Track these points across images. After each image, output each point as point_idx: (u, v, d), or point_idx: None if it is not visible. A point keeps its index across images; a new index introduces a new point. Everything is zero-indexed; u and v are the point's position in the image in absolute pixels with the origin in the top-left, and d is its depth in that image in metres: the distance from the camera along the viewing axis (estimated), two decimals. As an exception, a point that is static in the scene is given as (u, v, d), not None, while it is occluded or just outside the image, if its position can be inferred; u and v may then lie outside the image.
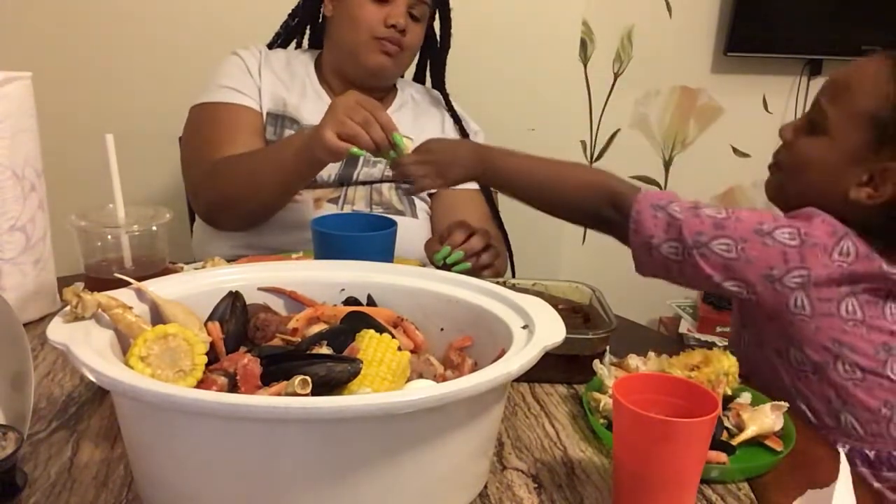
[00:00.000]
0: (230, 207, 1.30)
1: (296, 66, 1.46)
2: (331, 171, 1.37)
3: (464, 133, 1.50)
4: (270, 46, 1.52)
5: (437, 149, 1.10)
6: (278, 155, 1.23)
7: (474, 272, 1.07)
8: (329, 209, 1.35)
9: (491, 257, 1.11)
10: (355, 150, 1.05)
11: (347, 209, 1.37)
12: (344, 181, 1.39)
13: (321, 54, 1.49)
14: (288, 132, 1.38)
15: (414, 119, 1.48)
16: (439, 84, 1.55)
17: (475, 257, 1.09)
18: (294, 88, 1.42)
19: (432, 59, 1.56)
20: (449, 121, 1.51)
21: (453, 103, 1.53)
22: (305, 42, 1.58)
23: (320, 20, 1.51)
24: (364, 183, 1.40)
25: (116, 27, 1.82)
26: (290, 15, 1.53)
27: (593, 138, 2.25)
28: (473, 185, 1.46)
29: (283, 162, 1.20)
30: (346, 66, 1.42)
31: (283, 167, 1.21)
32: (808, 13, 2.15)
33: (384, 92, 1.49)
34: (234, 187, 1.27)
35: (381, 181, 1.41)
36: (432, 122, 1.49)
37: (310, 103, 1.41)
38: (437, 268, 1.07)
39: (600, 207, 1.00)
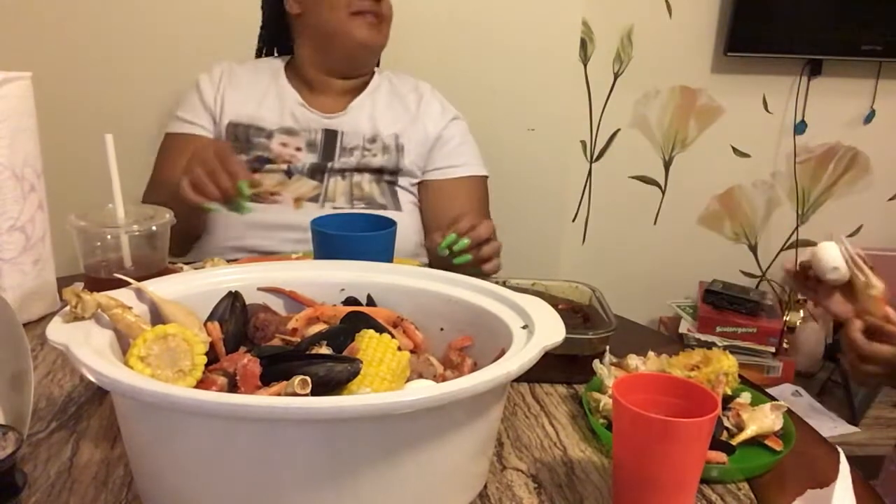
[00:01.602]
0: None
1: (262, 72, 1.49)
2: (304, 160, 1.40)
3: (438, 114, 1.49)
4: (257, 56, 1.58)
5: None
6: (170, 188, 1.26)
7: (475, 264, 1.06)
8: (309, 207, 1.35)
9: (492, 250, 1.09)
10: (207, 205, 1.09)
11: (328, 206, 1.38)
12: (321, 169, 1.40)
13: (292, 57, 1.51)
14: (256, 140, 1.41)
15: (388, 102, 1.48)
16: None
17: (477, 248, 1.06)
18: (254, 97, 1.45)
19: None
20: (426, 106, 1.49)
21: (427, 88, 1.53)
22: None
23: (286, 24, 1.52)
24: (342, 172, 1.41)
25: (116, 27, 1.81)
26: (261, 27, 1.58)
27: (593, 138, 2.25)
28: (466, 172, 1.46)
29: (172, 196, 1.21)
30: (329, 51, 1.43)
31: (172, 200, 1.22)
32: (808, 13, 2.15)
33: (364, 76, 1.50)
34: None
35: (357, 169, 1.41)
36: (407, 106, 1.49)
37: (273, 106, 1.43)
38: (438, 260, 1.06)
39: None
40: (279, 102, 1.45)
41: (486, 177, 1.50)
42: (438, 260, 1.08)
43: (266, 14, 1.56)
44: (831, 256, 0.97)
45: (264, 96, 1.45)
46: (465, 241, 1.04)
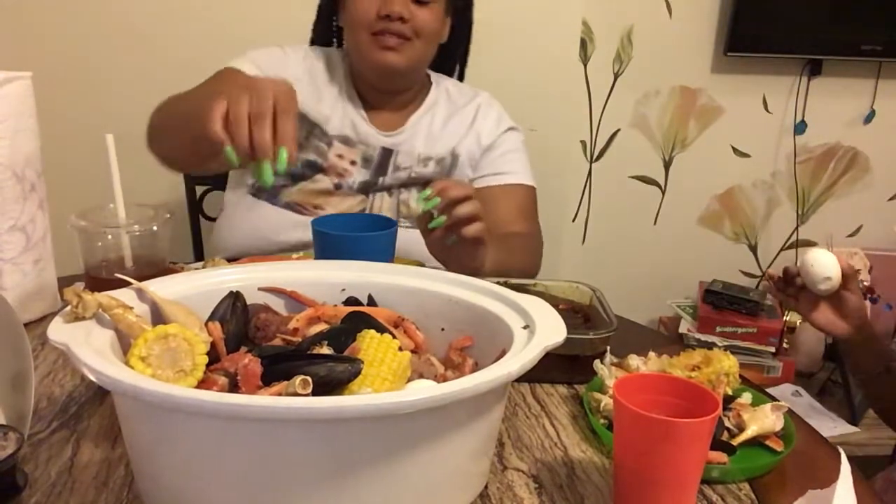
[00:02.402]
0: (150, 144, 1.21)
1: (334, 66, 1.40)
2: (355, 177, 1.34)
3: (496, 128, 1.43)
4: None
5: None
6: (188, 104, 1.07)
7: (453, 227, 0.98)
8: None
9: (471, 209, 0.98)
10: (229, 151, 0.85)
11: None
12: (368, 188, 1.35)
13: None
14: (315, 143, 1.33)
15: (447, 118, 1.41)
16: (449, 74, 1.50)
17: (450, 209, 0.97)
18: (320, 91, 1.36)
19: (449, 51, 1.46)
20: (482, 118, 1.42)
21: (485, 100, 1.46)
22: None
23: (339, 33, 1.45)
24: (389, 189, 1.36)
25: (117, 27, 1.82)
26: (312, 31, 1.48)
27: (593, 138, 2.25)
28: (511, 180, 1.39)
29: (189, 114, 1.01)
30: (361, 71, 1.36)
31: (187, 120, 1.01)
32: (808, 13, 2.15)
33: (416, 90, 1.42)
34: (155, 121, 1.19)
35: (405, 185, 1.36)
36: (464, 118, 1.42)
37: (336, 108, 1.36)
38: (419, 220, 1.00)
39: None
40: (342, 106, 1.37)
41: (534, 187, 1.42)
42: (435, 249, 1.04)
43: (318, 20, 1.46)
44: (824, 265, 0.92)
45: (330, 94, 1.37)
46: (436, 200, 0.96)
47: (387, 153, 1.37)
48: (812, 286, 0.93)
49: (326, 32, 1.46)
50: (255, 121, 0.84)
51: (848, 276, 0.94)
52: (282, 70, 1.31)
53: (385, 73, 1.32)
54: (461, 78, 1.54)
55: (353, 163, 1.36)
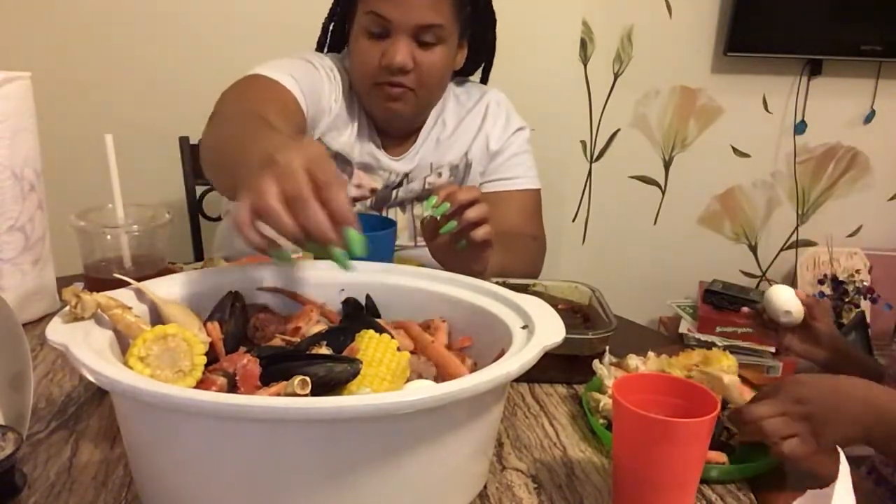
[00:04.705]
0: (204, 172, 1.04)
1: (354, 90, 1.32)
2: (372, 198, 1.33)
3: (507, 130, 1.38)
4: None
5: (813, 397, 0.76)
6: (228, 153, 0.86)
7: (463, 231, 0.96)
8: None
9: (480, 212, 0.96)
10: (277, 254, 0.71)
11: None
12: (382, 204, 1.34)
13: None
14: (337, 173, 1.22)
15: (457, 124, 1.37)
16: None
17: (460, 213, 0.95)
18: (351, 119, 1.30)
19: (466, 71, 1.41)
20: (490, 122, 1.37)
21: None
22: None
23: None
24: (402, 204, 1.34)
25: (117, 27, 1.82)
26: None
27: (593, 138, 2.25)
28: (517, 186, 1.37)
29: (230, 169, 0.83)
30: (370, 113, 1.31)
31: (230, 177, 0.82)
32: (808, 13, 2.15)
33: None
34: (202, 154, 1.01)
35: (419, 198, 1.34)
36: (473, 120, 1.37)
37: (353, 135, 1.31)
38: (426, 226, 0.99)
39: None
40: (359, 133, 1.31)
41: (539, 190, 1.39)
42: (440, 254, 1.02)
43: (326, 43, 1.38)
44: (783, 300, 0.96)
45: (352, 120, 1.30)
46: (446, 205, 0.94)
47: (405, 176, 1.35)
48: (776, 320, 0.96)
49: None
50: (299, 211, 0.66)
51: (809, 305, 0.96)
52: (318, 94, 1.24)
53: (391, 121, 1.30)
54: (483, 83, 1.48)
55: (372, 190, 1.33)
